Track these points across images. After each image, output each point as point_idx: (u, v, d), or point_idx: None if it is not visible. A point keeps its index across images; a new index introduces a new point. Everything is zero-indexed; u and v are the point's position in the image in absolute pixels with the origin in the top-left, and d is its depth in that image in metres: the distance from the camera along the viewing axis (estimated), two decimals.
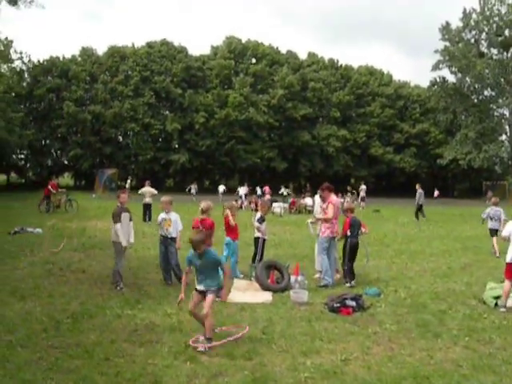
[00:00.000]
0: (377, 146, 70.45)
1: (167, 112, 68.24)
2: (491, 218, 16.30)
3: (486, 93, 64.74)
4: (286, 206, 32.86)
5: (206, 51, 73.34)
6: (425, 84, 71.89)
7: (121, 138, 67.09)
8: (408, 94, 74.36)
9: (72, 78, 62.90)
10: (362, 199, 39.87)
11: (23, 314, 7.90)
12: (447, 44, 63.14)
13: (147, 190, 23.97)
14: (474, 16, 61.72)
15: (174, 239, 10.56)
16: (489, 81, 61.72)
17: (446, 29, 63.28)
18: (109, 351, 6.37)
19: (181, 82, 66.08)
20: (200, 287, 7.02)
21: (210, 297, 6.87)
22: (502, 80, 61.12)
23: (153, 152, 64.05)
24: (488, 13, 60.32)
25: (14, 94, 57.18)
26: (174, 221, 10.59)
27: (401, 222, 27.39)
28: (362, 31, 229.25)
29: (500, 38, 59.31)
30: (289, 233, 20.81)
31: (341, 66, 74.89)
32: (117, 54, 66.22)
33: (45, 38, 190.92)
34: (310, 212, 31.22)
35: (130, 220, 10.46)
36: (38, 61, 63.07)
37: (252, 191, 43.51)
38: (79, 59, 66.08)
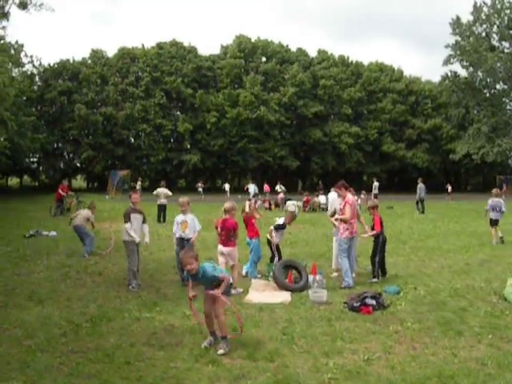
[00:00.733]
0: (389, 143, 70.16)
1: (178, 112, 68.50)
2: (493, 209, 17.03)
3: (498, 86, 64.42)
4: (300, 203, 32.67)
5: (216, 51, 73.70)
6: (436, 79, 71.73)
7: (132, 140, 67.21)
8: (419, 90, 73.98)
9: (83, 80, 63.15)
10: (375, 196, 39.72)
11: (42, 319, 7.86)
12: (458, 38, 62.77)
13: (162, 191, 23.95)
14: (484, 9, 61.36)
15: (190, 240, 10.53)
16: (501, 74, 61.33)
17: (456, 23, 62.92)
18: (129, 355, 6.32)
19: (191, 82, 66.18)
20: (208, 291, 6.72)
21: (218, 292, 6.55)
22: None
23: (165, 153, 64.26)
24: (499, 6, 59.93)
25: (25, 98, 57.48)
26: (191, 222, 10.55)
27: (416, 218, 27.22)
28: (372, 27, 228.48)
29: (511, 32, 58.92)
30: (304, 231, 20.69)
31: (351, 62, 74.63)
32: (127, 56, 66.45)
33: (55, 41, 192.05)
34: (324, 210, 31.26)
35: (144, 222, 10.49)
36: (49, 64, 63.44)
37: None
38: (89, 61, 66.28)
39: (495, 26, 61.13)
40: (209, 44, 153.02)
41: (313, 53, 75.48)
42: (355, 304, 8.46)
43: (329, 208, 12.82)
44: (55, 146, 64.89)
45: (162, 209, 23.42)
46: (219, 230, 10.08)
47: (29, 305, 8.70)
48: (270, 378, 5.66)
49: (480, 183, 73.10)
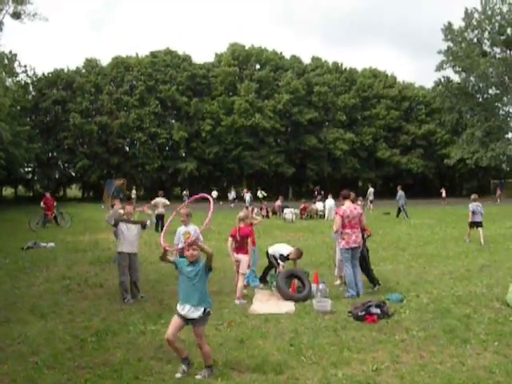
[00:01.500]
0: (383, 148, 70.44)
1: (173, 121, 68.57)
2: (474, 213, 18.45)
3: (490, 91, 64.55)
4: (297, 211, 32.65)
5: (210, 59, 73.91)
6: (429, 85, 71.93)
7: (128, 148, 67.23)
8: (413, 96, 74.42)
9: (77, 89, 63.24)
10: (371, 202, 39.90)
11: (45, 333, 7.78)
12: (450, 44, 63.01)
13: (160, 200, 23.93)
14: (475, 16, 61.57)
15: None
16: (493, 79, 61.47)
17: (448, 29, 63.16)
18: (137, 370, 6.25)
19: (186, 90, 66.35)
20: (183, 311, 6.06)
21: (200, 329, 6.08)
22: (506, 78, 60.81)
23: (160, 161, 64.36)
24: (490, 12, 60.16)
25: (19, 108, 57.52)
26: (194, 232, 10.51)
27: (413, 224, 27.19)
28: (364, 34, 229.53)
29: (503, 37, 59.21)
30: (302, 239, 20.57)
31: (345, 69, 75.12)
32: (121, 65, 66.63)
33: (48, 50, 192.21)
34: (321, 217, 31.29)
35: (143, 228, 10.48)
36: (43, 73, 63.69)
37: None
38: (83, 71, 66.41)
39: (486, 32, 61.36)
40: (203, 52, 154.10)
41: (307, 60, 76.14)
42: (360, 313, 8.44)
43: (326, 215, 12.82)
44: (50, 155, 64.89)
45: (160, 218, 23.37)
46: (237, 237, 10.37)
47: (31, 319, 8.61)
48: None
49: (474, 188, 73.19)
